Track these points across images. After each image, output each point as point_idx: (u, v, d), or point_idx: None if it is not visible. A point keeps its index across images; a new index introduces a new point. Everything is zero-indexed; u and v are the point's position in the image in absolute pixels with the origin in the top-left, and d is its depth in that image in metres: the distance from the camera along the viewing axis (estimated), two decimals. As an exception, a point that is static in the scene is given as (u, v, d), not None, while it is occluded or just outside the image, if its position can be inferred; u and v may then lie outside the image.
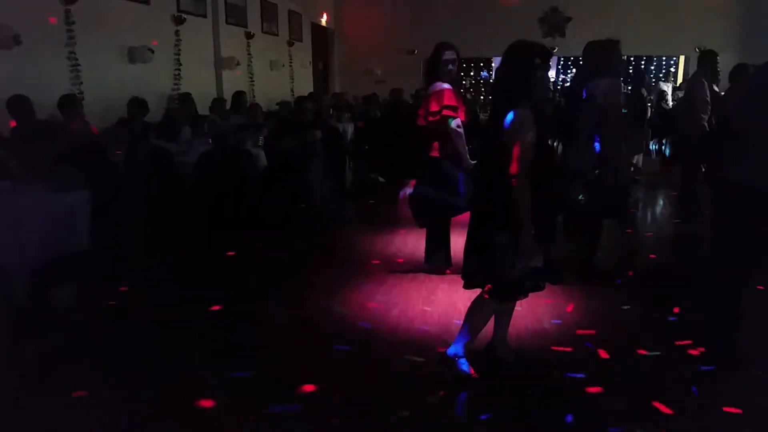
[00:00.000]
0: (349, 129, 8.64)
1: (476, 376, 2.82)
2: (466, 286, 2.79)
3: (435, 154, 4.04)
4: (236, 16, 9.27)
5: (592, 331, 3.37)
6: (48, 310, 3.56)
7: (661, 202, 7.28)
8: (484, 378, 2.84)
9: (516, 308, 3.01)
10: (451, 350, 2.91)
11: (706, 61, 6.09)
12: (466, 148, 3.99)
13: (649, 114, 8.60)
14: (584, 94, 3.97)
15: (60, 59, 5.80)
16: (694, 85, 6.07)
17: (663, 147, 10.46)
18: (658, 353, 3.09)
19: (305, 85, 12.06)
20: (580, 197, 3.84)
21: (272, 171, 5.92)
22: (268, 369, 2.95)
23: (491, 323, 2.95)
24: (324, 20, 13.49)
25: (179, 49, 7.68)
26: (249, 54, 9.63)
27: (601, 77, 3.92)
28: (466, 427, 2.49)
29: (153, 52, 6.88)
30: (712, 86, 5.95)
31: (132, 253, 4.49)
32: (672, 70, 14.06)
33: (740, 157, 2.76)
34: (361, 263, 4.68)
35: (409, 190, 4.23)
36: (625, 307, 3.74)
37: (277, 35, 10.93)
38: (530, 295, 2.77)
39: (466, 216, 2.92)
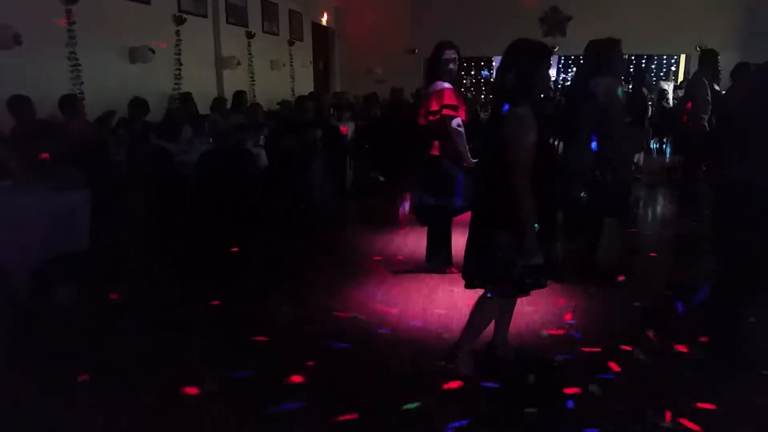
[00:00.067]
0: (350, 128, 8.63)
1: (477, 375, 2.82)
2: (468, 286, 2.79)
3: (435, 152, 4.04)
4: (237, 16, 9.27)
5: (592, 330, 3.37)
6: (48, 310, 3.56)
7: (661, 201, 7.27)
8: (485, 378, 2.84)
9: (517, 307, 3.01)
10: (453, 349, 2.91)
11: (707, 61, 6.09)
12: (467, 147, 3.99)
13: (650, 113, 8.58)
14: (585, 93, 3.97)
15: (60, 59, 5.81)
16: (694, 85, 6.06)
17: (664, 146, 10.46)
18: (658, 353, 3.09)
19: (306, 85, 12.07)
20: (582, 195, 3.84)
21: (273, 170, 5.92)
22: (267, 368, 2.95)
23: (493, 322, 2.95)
24: (324, 20, 13.49)
25: (180, 49, 7.68)
26: (250, 53, 9.63)
27: (602, 76, 3.92)
28: (466, 426, 2.49)
29: (154, 52, 6.89)
30: (712, 85, 5.94)
31: (132, 253, 4.49)
32: (673, 69, 14.04)
33: (742, 156, 2.76)
34: (361, 263, 4.68)
35: (406, 205, 4.23)
36: (626, 306, 3.74)
37: (277, 35, 10.93)
38: (532, 294, 2.77)
39: (466, 215, 2.92)
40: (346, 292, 4.01)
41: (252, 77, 9.72)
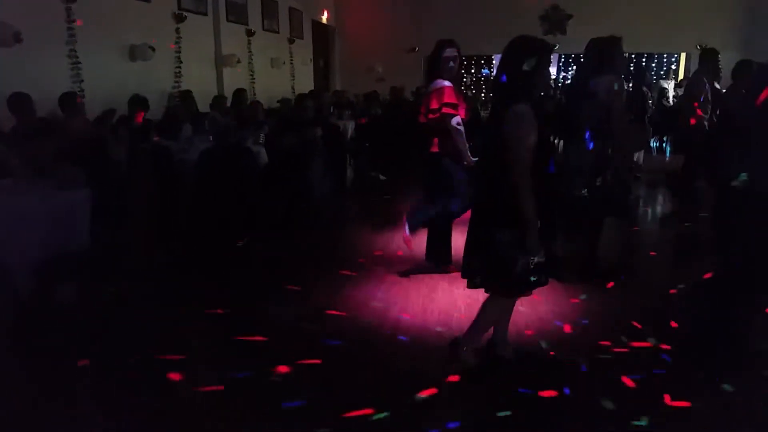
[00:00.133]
0: (350, 127, 8.63)
1: (478, 371, 2.83)
2: (470, 286, 2.79)
3: (435, 150, 4.04)
4: (237, 14, 9.27)
5: (592, 329, 3.37)
6: (50, 308, 3.56)
7: (661, 200, 7.26)
8: (484, 375, 2.85)
9: (516, 306, 3.01)
10: (457, 345, 2.92)
11: (707, 59, 6.08)
12: (467, 145, 3.99)
13: (650, 111, 8.58)
14: (586, 92, 3.97)
15: (61, 57, 5.80)
16: (695, 83, 6.06)
17: (664, 144, 10.46)
18: (658, 351, 3.09)
19: (306, 83, 12.06)
20: (584, 191, 3.84)
21: (273, 169, 5.91)
22: (267, 367, 2.95)
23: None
24: (325, 18, 13.47)
25: (180, 47, 7.67)
26: (250, 51, 9.63)
27: (602, 74, 3.92)
28: (467, 423, 2.50)
29: (154, 49, 6.88)
30: (713, 84, 5.94)
31: (133, 251, 4.49)
32: (673, 67, 14.03)
33: (743, 155, 2.76)
34: (361, 261, 4.68)
35: (407, 229, 4.25)
36: (626, 305, 3.74)
37: (277, 33, 10.92)
38: (532, 292, 2.77)
39: (466, 214, 2.92)
40: (345, 292, 4.01)
41: (252, 75, 9.72)
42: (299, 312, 3.65)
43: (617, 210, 4.30)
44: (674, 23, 12.33)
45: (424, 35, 11.07)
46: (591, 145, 3.92)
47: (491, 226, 2.61)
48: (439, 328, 3.40)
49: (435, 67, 4.04)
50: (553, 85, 12.63)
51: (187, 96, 7.33)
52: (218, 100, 7.75)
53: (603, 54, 3.99)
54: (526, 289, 2.72)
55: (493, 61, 14.50)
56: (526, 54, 2.55)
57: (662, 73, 13.95)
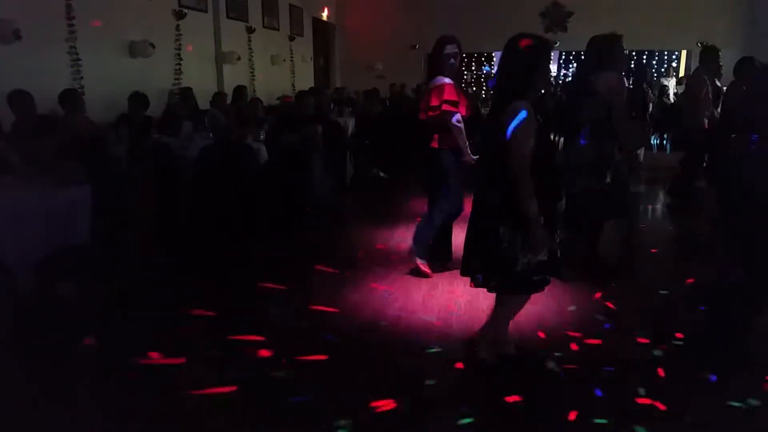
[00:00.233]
0: (350, 124, 8.62)
1: (496, 363, 2.86)
2: (473, 284, 2.79)
3: (435, 145, 4.04)
4: (237, 11, 9.25)
5: (592, 328, 3.37)
6: (50, 305, 3.56)
7: (661, 198, 7.26)
8: (485, 372, 2.86)
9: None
10: (474, 340, 2.94)
11: (707, 57, 6.08)
12: (467, 142, 3.98)
13: (650, 109, 8.56)
14: (586, 89, 3.96)
15: (61, 54, 5.79)
16: (695, 81, 6.05)
17: (664, 142, 10.46)
18: (658, 350, 3.09)
19: (306, 80, 12.04)
20: (606, 180, 3.85)
21: (273, 166, 5.91)
22: (267, 367, 2.96)
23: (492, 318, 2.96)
24: (325, 15, 13.45)
25: (180, 44, 7.66)
26: (250, 48, 9.61)
27: (603, 71, 3.91)
28: (468, 419, 2.50)
29: (154, 46, 6.87)
30: (714, 81, 5.93)
31: (133, 248, 4.49)
32: (674, 65, 14.01)
33: (743, 155, 2.76)
34: (361, 258, 4.69)
35: (417, 256, 4.20)
36: (626, 304, 3.74)
37: (278, 30, 10.90)
38: (537, 290, 2.76)
39: (466, 210, 2.92)
40: (345, 289, 4.01)
41: (252, 72, 9.70)
42: (298, 307, 3.66)
43: (618, 209, 4.29)
44: (675, 20, 12.31)
45: (424, 32, 11.04)
46: (583, 141, 3.92)
47: (492, 224, 2.61)
48: (440, 324, 3.40)
49: (436, 64, 4.04)
50: (553, 82, 12.62)
51: (187, 93, 7.32)
52: (218, 97, 7.74)
53: (603, 52, 3.99)
54: (528, 289, 2.72)
55: (494, 59, 14.48)
56: (525, 51, 2.55)
57: (663, 70, 13.93)
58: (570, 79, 13.38)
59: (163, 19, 7.44)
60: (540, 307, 3.55)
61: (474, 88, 14.68)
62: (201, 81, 8.07)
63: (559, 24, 13.18)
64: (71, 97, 5.12)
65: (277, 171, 5.81)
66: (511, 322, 2.99)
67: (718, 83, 6.12)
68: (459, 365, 2.93)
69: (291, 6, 11.42)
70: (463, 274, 2.84)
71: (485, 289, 2.77)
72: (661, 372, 2.86)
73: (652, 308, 3.68)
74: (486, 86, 14.65)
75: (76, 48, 5.89)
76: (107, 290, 3.86)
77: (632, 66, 12.04)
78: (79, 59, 5.92)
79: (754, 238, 2.74)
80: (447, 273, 4.20)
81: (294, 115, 6.88)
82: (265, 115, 7.09)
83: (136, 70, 6.79)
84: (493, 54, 14.39)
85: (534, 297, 2.85)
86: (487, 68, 15.07)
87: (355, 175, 8.12)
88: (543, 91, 5.72)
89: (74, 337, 3.22)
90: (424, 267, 4.20)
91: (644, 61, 13.79)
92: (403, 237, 5.23)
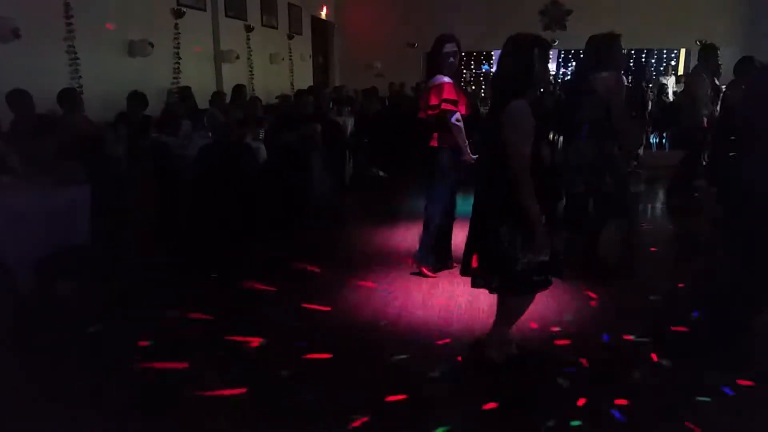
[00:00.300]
0: (349, 123, 8.61)
1: (503, 363, 2.85)
2: (474, 285, 2.79)
3: (434, 144, 4.04)
4: (236, 9, 9.23)
5: (592, 327, 3.37)
6: (50, 304, 3.56)
7: (661, 197, 7.26)
8: (485, 371, 2.86)
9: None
10: (483, 340, 2.94)
11: (706, 55, 6.08)
12: (467, 141, 3.98)
13: (649, 107, 8.58)
14: (585, 88, 3.96)
15: (59, 53, 5.78)
16: (694, 80, 6.06)
17: (663, 140, 10.45)
18: (657, 349, 3.09)
19: (305, 79, 12.02)
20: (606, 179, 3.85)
21: (272, 165, 5.91)
22: (266, 367, 2.96)
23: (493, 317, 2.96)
24: (324, 13, 13.43)
25: (179, 43, 7.65)
26: (249, 47, 9.59)
27: (602, 70, 3.91)
28: (468, 418, 2.50)
29: (152, 45, 6.86)
30: (713, 80, 5.94)
31: (132, 248, 4.48)
32: (673, 63, 14.01)
33: (743, 155, 2.75)
34: (361, 258, 4.68)
35: (420, 262, 4.20)
36: (627, 303, 3.74)
37: (276, 28, 10.89)
38: (540, 290, 2.76)
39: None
40: (346, 287, 4.01)
41: (251, 71, 9.69)
42: (298, 307, 3.65)
43: (617, 209, 4.29)
44: (674, 19, 12.30)
45: (423, 31, 11.01)
46: (582, 138, 3.92)
47: (492, 224, 2.61)
48: (440, 323, 3.40)
49: (435, 63, 4.03)
50: (552, 81, 12.60)
51: (185, 92, 7.31)
52: (217, 96, 7.73)
53: (601, 51, 3.99)
54: (529, 289, 2.72)
55: (493, 58, 14.47)
56: (524, 50, 2.55)
57: (662, 69, 13.92)
58: (569, 78, 13.38)
59: (162, 18, 7.42)
60: (540, 307, 3.55)
61: (473, 87, 14.66)
62: (200, 80, 8.06)
63: (558, 22, 13.16)
64: (70, 97, 5.11)
65: (276, 170, 5.81)
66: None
67: (717, 82, 6.12)
68: (460, 364, 2.93)
69: (290, 4, 11.41)
70: (463, 274, 2.84)
71: (486, 290, 2.77)
72: (660, 372, 2.86)
73: (652, 308, 3.68)
74: (485, 85, 14.64)
75: (74, 47, 5.87)
76: (107, 290, 3.85)
77: (631, 65, 12.04)
78: (78, 58, 5.91)
79: (754, 238, 2.74)
80: (447, 273, 4.20)
81: (293, 114, 6.87)
82: (264, 114, 7.08)
83: (135, 69, 6.77)
84: (493, 53, 14.37)
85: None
86: (486, 67, 15.06)
87: (355, 174, 8.12)
88: (542, 90, 5.72)
89: (74, 337, 3.22)
90: (427, 272, 4.21)
91: (643, 59, 13.78)
92: (403, 236, 5.23)
